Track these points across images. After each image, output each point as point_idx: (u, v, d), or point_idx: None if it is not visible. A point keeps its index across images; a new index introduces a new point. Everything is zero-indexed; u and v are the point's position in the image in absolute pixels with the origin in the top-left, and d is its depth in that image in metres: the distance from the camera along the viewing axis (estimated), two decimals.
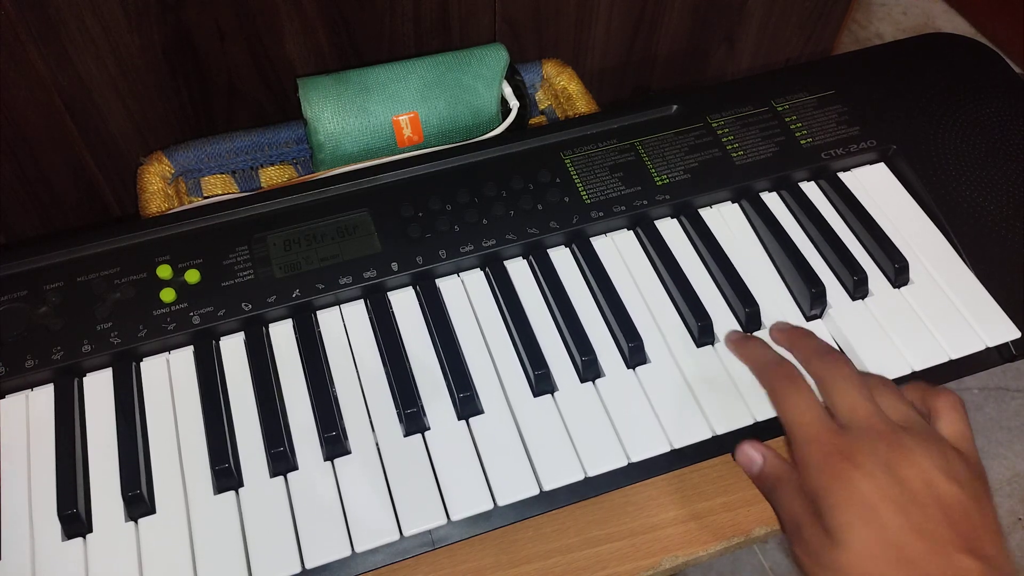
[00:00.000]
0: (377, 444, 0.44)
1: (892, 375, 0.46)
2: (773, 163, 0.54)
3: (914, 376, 0.47)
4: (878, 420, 0.40)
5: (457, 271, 0.50)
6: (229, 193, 0.60)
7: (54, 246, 0.49)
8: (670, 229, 0.53)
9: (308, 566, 0.40)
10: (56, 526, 0.41)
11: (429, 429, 0.44)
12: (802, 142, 0.55)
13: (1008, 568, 0.36)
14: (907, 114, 0.57)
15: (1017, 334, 0.48)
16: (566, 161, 0.54)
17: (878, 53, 0.61)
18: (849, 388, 0.41)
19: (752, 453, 0.43)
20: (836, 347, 0.48)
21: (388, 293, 0.49)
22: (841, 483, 0.38)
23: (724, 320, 0.49)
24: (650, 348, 0.47)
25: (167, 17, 0.61)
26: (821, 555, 0.38)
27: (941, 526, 0.36)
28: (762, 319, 0.48)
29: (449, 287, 0.50)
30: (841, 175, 0.55)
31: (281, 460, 0.43)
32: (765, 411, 0.45)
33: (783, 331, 0.47)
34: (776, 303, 0.50)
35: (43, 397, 0.45)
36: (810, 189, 0.55)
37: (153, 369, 0.47)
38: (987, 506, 0.38)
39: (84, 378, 0.46)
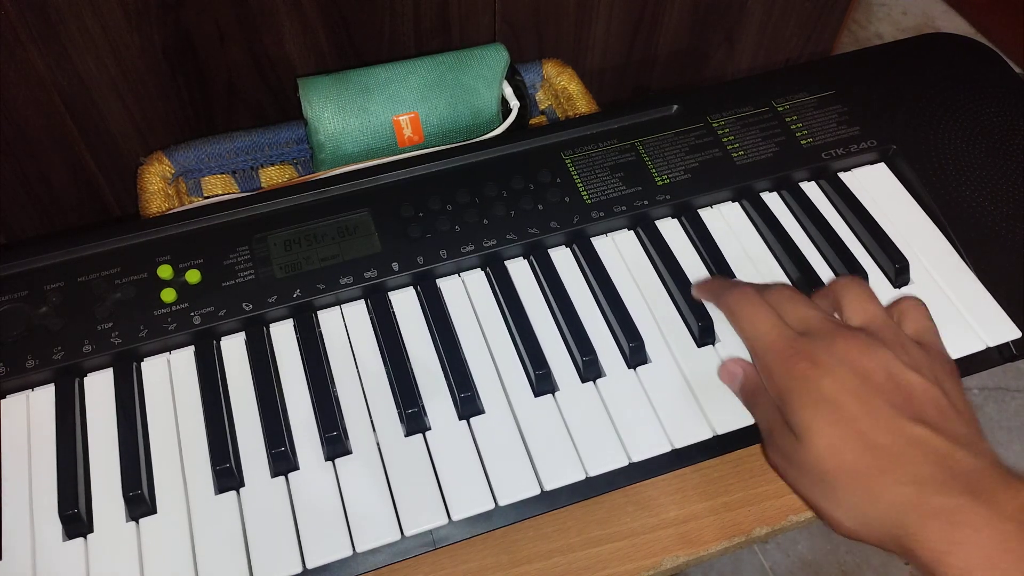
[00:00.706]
0: (378, 444, 0.44)
1: None
2: (773, 163, 0.54)
3: None
4: (832, 323, 0.41)
5: (458, 271, 0.50)
6: (229, 193, 0.60)
7: (54, 246, 0.49)
8: (671, 229, 0.53)
9: (309, 566, 0.40)
10: (57, 526, 0.41)
11: (430, 429, 0.44)
12: (802, 142, 0.55)
13: (984, 449, 0.36)
14: (907, 114, 0.57)
15: (1017, 334, 0.48)
16: (566, 161, 0.54)
17: (878, 53, 0.61)
18: (797, 304, 0.42)
19: (734, 368, 0.45)
20: None
21: (389, 293, 0.49)
22: (802, 383, 0.38)
23: (725, 320, 0.48)
24: (651, 348, 0.47)
25: (167, 17, 0.61)
26: (791, 456, 0.39)
27: (901, 406, 0.37)
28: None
29: (450, 287, 0.50)
30: (841, 175, 0.55)
31: (282, 460, 0.43)
32: None
33: (712, 284, 0.48)
34: None
35: (44, 397, 0.45)
36: (810, 189, 0.55)
37: (154, 369, 0.47)
38: (953, 391, 0.39)
39: (85, 378, 0.46)
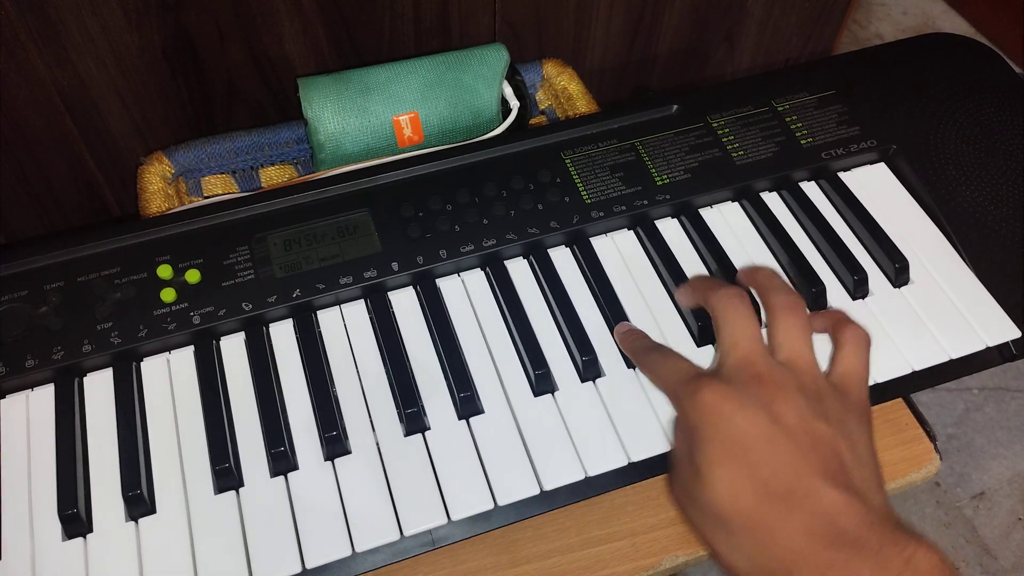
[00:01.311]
0: (377, 444, 0.44)
1: (892, 374, 0.47)
2: (773, 163, 0.54)
3: (914, 376, 0.47)
4: (757, 357, 0.40)
5: (457, 271, 0.50)
6: (229, 193, 0.60)
7: (54, 246, 0.49)
8: (670, 229, 0.53)
9: (308, 566, 0.40)
10: (56, 526, 0.41)
11: (429, 429, 0.44)
12: (802, 142, 0.55)
13: (878, 502, 0.37)
14: (907, 114, 0.57)
15: (1017, 334, 0.48)
16: (566, 161, 0.54)
17: (878, 53, 0.61)
18: (735, 324, 0.41)
19: None
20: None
21: (388, 293, 0.49)
22: (713, 419, 0.38)
23: None
24: None
25: (167, 17, 0.61)
26: (692, 492, 0.38)
27: (810, 460, 0.37)
28: (760, 318, 0.48)
29: (449, 287, 0.50)
30: (841, 175, 0.55)
31: (281, 460, 0.43)
32: None
33: (694, 281, 0.48)
34: None
35: (43, 397, 0.45)
36: (810, 189, 0.55)
37: (153, 369, 0.47)
38: (860, 443, 0.39)
39: (84, 378, 0.46)
